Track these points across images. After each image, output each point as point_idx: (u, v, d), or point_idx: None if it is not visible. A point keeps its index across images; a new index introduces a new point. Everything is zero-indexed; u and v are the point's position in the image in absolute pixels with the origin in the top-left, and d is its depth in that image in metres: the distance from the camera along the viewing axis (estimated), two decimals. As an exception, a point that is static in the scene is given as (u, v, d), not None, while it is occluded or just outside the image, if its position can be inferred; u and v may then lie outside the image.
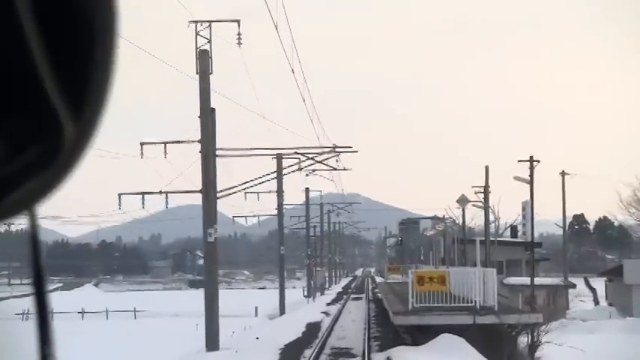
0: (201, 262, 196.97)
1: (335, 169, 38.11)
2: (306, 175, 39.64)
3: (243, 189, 32.54)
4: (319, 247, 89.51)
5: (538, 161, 33.76)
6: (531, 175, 33.55)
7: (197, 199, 27.59)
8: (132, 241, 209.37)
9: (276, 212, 77.27)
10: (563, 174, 60.65)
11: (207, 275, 28.24)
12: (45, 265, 1.16)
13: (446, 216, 55.30)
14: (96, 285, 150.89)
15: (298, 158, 34.86)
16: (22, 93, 0.95)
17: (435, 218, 44.94)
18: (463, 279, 27.34)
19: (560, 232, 68.70)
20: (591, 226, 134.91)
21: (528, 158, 33.53)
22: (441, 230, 43.68)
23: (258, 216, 54.69)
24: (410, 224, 40.02)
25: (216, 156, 28.68)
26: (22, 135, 0.98)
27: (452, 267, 37.27)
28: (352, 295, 70.79)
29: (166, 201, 29.41)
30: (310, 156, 34.43)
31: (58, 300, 78.40)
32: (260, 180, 33.80)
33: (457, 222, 46.79)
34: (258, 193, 52.23)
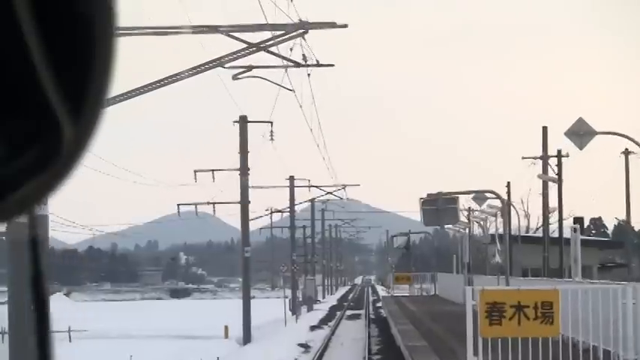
0: (195, 268, 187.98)
1: (300, 65, 20.35)
2: (234, 77, 21.71)
3: (124, 98, 16.79)
4: (311, 250, 75.63)
5: None
6: None
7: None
8: (127, 248, 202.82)
9: (270, 213, 63.59)
10: (626, 152, 47.70)
11: None
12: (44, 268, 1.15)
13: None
14: (67, 294, 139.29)
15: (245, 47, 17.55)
16: (21, 93, 0.95)
17: (479, 192, 29.54)
18: (589, 307, 12.06)
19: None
20: (609, 231, 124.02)
21: None
22: (500, 210, 28.31)
23: (214, 203, 39.92)
24: (442, 203, 23.79)
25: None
26: (22, 136, 0.98)
27: (556, 280, 22.22)
28: (348, 312, 55.56)
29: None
30: (254, 40, 17.54)
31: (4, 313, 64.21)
32: (160, 82, 17.61)
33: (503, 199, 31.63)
34: (213, 170, 37.72)
